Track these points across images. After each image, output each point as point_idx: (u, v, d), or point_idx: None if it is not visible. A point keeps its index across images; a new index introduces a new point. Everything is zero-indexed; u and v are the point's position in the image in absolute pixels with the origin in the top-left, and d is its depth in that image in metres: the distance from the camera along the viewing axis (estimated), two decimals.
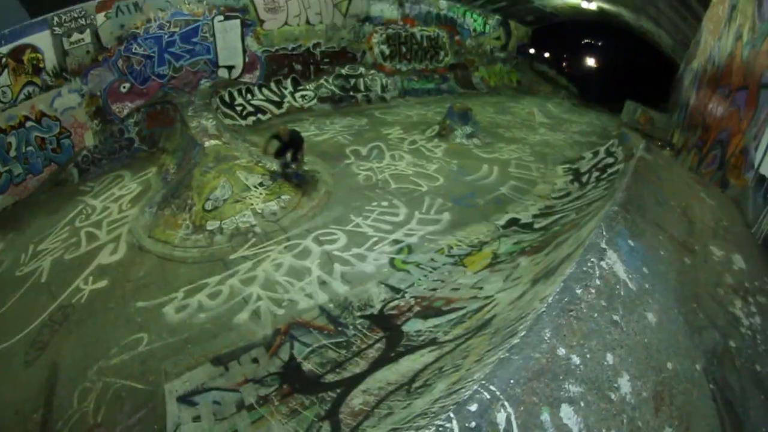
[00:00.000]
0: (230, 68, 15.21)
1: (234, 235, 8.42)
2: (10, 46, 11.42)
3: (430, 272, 7.05)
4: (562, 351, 2.72)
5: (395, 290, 6.68)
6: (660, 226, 3.76)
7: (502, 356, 2.66)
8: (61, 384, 5.94)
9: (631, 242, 3.46)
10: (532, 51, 28.43)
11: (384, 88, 18.72)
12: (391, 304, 6.38)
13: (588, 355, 2.76)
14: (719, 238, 3.91)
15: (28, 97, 11.79)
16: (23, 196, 11.82)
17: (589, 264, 3.13)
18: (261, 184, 9.44)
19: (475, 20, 22.67)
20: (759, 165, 4.23)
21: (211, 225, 8.60)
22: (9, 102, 11.58)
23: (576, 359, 2.71)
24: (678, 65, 19.74)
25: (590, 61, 36.16)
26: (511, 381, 2.53)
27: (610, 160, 10.37)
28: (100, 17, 12.69)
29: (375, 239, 8.02)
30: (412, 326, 5.73)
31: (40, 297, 7.81)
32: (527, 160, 11.95)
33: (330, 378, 5.22)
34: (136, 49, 13.32)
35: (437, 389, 3.41)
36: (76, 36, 12.35)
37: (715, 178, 6.18)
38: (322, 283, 6.96)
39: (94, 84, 12.81)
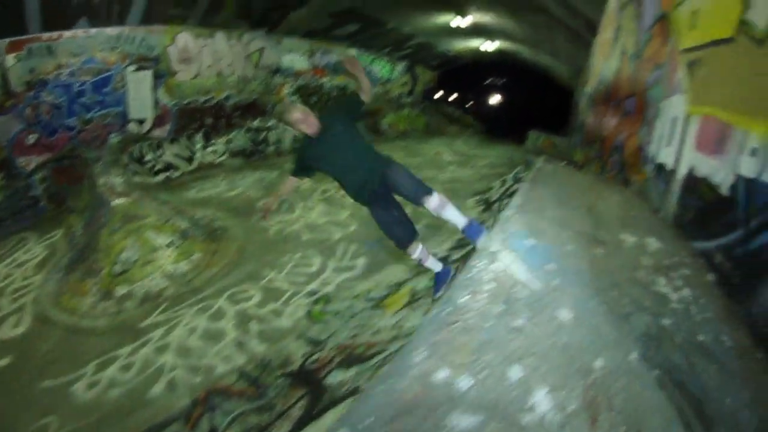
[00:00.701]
0: (141, 122, 14.77)
1: (145, 300, 8.18)
2: None
3: (350, 319, 7.10)
4: (443, 373, 2.31)
5: (315, 342, 6.69)
6: (564, 224, 3.70)
7: (357, 395, 2.35)
8: None
9: (530, 241, 3.32)
10: (438, 94, 29.67)
11: (295, 140, 18.79)
12: (313, 358, 6.35)
13: (483, 373, 2.33)
14: (629, 226, 3.89)
15: None
16: None
17: (475, 270, 2.83)
18: (171, 244, 9.23)
19: (382, 68, 23.61)
20: (655, 155, 4.63)
21: (121, 290, 8.31)
22: None
23: (465, 381, 2.29)
24: (575, 92, 21.44)
25: (494, 99, 38.44)
26: (368, 421, 2.17)
27: (518, 185, 10.87)
28: (10, 59, 11.80)
29: (290, 293, 8.04)
30: (335, 378, 5.69)
31: None
32: None
33: None
34: (45, 96, 12.53)
35: None
36: None
37: (618, 179, 6.71)
38: (239, 344, 6.88)
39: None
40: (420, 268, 7.50)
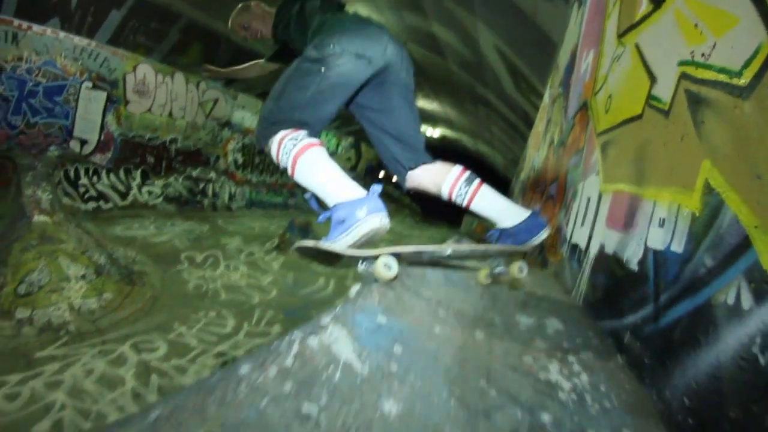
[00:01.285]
0: (83, 142, 14.16)
1: (44, 330, 7.54)
2: None
3: None
4: None
5: None
6: (443, 305, 2.99)
7: None
8: None
9: (382, 319, 2.52)
10: (381, 174, 30.23)
11: (231, 197, 18.69)
12: None
13: None
14: (529, 307, 3.36)
15: None
16: None
17: (283, 343, 2.03)
18: (83, 277, 8.65)
19: (329, 140, 24.16)
20: (570, 236, 4.58)
21: (21, 313, 7.63)
22: None
23: None
24: (510, 181, 22.42)
25: None
26: None
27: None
28: None
29: (198, 351, 7.62)
30: None
31: None
32: None
33: None
34: None
35: None
36: None
37: (537, 261, 6.73)
38: (136, 396, 6.38)
39: None
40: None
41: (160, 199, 16.08)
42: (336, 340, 2.21)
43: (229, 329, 8.49)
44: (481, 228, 21.67)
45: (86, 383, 6.57)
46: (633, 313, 2.54)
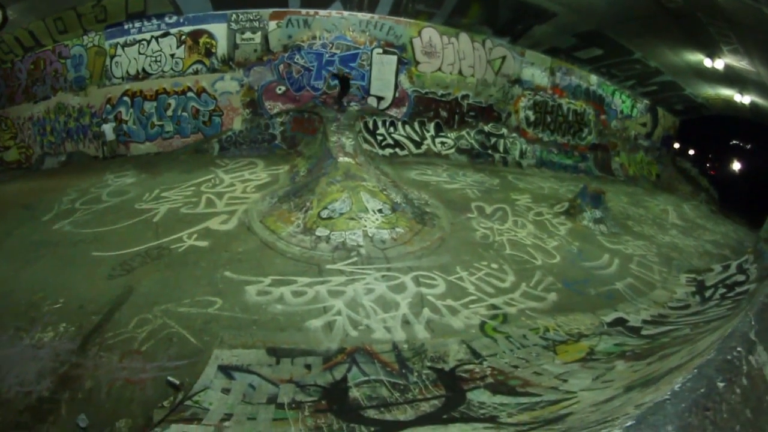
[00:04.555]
0: (380, 99, 16.21)
1: (338, 248, 8.53)
2: (192, 28, 15.01)
3: (518, 349, 6.59)
4: None
5: (475, 354, 6.29)
6: None
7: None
8: (127, 305, 6.53)
9: None
10: (676, 145, 26.70)
11: (522, 154, 18.54)
12: (465, 367, 6.00)
13: None
14: None
15: (195, 73, 15.19)
16: (167, 150, 15.20)
17: (735, 353, 2.13)
18: (380, 211, 9.59)
19: (623, 101, 22.04)
20: None
21: (321, 232, 8.86)
22: (178, 71, 15.18)
23: None
24: None
25: (736, 166, 32.79)
26: None
27: (741, 277, 9.39)
28: (272, 24, 15.04)
29: (473, 298, 7.66)
30: (478, 396, 5.31)
31: (147, 232, 8.91)
32: (651, 261, 10.99)
33: (370, 413, 4.98)
34: (298, 59, 15.26)
35: None
36: (248, 35, 14.93)
37: None
38: (405, 323, 6.75)
39: (254, 79, 15.10)
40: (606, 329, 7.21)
41: (453, 150, 16.95)
42: (765, 363, 2.20)
43: (507, 284, 8.37)
44: None
45: (364, 299, 7.20)
46: None
